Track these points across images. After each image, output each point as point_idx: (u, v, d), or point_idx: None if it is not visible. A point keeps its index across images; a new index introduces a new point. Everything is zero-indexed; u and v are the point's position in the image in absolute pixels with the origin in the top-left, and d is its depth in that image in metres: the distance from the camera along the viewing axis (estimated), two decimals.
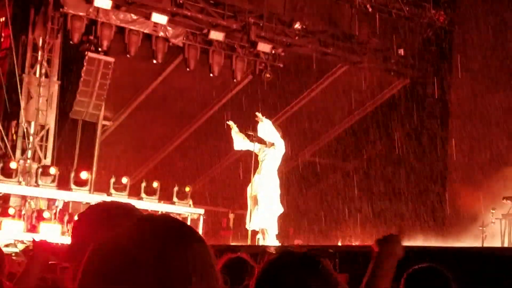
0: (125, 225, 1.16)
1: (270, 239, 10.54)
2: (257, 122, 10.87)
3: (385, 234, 2.69)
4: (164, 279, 1.09)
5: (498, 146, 15.02)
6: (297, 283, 1.79)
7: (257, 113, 10.78)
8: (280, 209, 10.76)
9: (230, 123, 11.04)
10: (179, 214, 16.29)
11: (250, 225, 10.77)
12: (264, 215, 10.50)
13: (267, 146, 10.73)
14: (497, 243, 11.73)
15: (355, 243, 15.10)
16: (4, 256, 3.86)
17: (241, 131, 11.12)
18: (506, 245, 11.60)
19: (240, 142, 10.89)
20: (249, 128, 11.04)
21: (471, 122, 16.14)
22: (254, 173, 10.82)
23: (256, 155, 10.80)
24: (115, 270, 1.08)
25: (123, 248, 1.10)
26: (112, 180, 15.23)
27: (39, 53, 15.28)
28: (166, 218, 1.20)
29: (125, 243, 1.11)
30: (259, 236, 10.86)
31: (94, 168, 16.06)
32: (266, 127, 10.65)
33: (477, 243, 11.83)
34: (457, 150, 16.37)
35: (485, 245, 11.60)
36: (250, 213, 10.72)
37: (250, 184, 10.84)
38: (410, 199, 17.02)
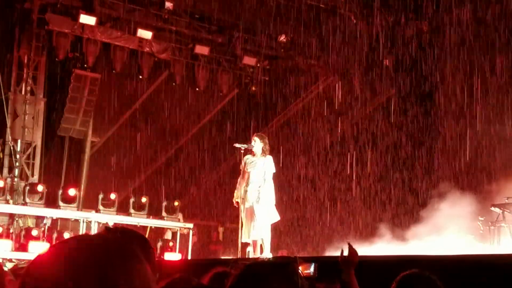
0: (64, 244, 1.11)
1: (265, 250, 10.43)
2: (245, 137, 10.75)
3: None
4: None
5: (484, 152, 15.10)
6: (263, 285, 1.83)
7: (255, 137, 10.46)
8: (277, 217, 10.59)
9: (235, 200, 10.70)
10: (170, 229, 16.25)
11: (244, 238, 10.61)
12: (260, 226, 10.39)
13: (255, 156, 10.57)
14: (486, 252, 11.74)
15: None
16: (4, 274, 3.68)
17: (229, 143, 10.99)
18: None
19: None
20: (236, 141, 10.96)
21: (458, 128, 16.22)
22: (245, 185, 10.66)
23: (244, 168, 10.70)
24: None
25: (63, 267, 1.05)
26: (101, 196, 15.14)
27: (25, 70, 15.27)
28: (107, 238, 1.16)
29: (64, 262, 1.06)
30: (249, 249, 10.76)
31: (83, 185, 16.00)
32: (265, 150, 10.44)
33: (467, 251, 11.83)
34: (444, 156, 16.44)
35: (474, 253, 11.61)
36: (244, 225, 10.57)
37: (240, 197, 10.67)
38: (396, 209, 17.04)
